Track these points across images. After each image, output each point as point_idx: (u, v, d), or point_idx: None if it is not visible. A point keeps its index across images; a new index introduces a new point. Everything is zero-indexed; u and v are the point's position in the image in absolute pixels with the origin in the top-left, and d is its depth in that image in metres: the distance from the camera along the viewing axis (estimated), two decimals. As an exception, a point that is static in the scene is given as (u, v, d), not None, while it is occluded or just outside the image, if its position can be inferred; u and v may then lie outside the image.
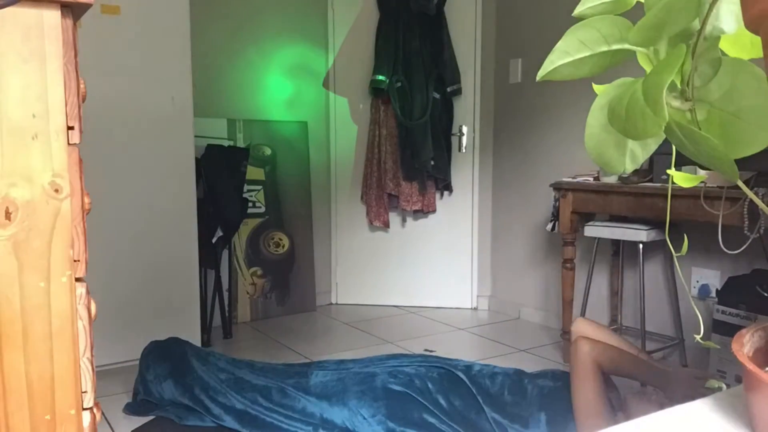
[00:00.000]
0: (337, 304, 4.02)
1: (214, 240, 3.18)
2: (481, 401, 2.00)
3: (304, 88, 3.82)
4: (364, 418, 2.01)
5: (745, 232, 2.03)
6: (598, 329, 1.98)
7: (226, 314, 3.31)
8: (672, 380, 1.81)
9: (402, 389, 2.05)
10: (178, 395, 2.25)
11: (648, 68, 0.44)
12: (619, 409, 1.92)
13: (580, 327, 1.98)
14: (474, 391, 2.02)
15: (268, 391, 2.15)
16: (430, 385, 2.05)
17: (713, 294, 2.60)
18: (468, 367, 2.12)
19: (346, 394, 2.08)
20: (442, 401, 2.01)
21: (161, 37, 2.84)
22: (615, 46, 0.44)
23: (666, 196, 2.36)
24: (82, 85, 0.79)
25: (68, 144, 0.76)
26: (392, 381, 2.08)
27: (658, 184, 2.41)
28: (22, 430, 0.74)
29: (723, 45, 0.44)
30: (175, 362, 2.32)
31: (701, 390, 1.76)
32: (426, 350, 3.02)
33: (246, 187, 3.45)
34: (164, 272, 2.91)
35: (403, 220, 3.93)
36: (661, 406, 1.73)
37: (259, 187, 3.63)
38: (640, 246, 2.60)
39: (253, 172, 3.57)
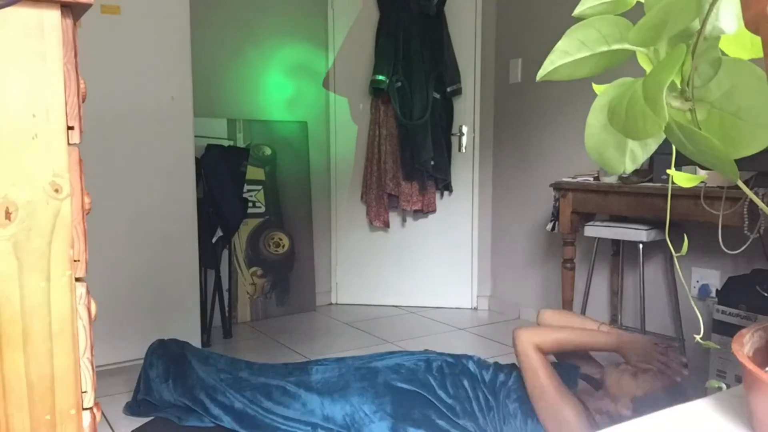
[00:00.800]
0: (337, 304, 4.02)
1: (214, 240, 3.18)
2: (480, 396, 2.01)
3: (304, 88, 3.82)
4: (366, 414, 2.01)
5: (745, 232, 2.03)
6: (560, 313, 2.09)
7: (226, 314, 3.31)
8: (625, 344, 1.86)
9: (404, 385, 2.05)
10: (177, 396, 2.25)
11: (648, 68, 0.44)
12: (600, 386, 1.92)
13: (542, 316, 2.10)
14: (474, 385, 2.03)
15: (268, 389, 2.15)
16: (431, 381, 2.06)
17: (713, 294, 2.60)
18: (467, 361, 2.13)
19: (348, 391, 2.07)
20: (444, 396, 2.02)
21: (161, 37, 2.84)
22: (615, 46, 0.44)
23: (666, 196, 2.36)
24: (82, 85, 0.79)
25: (68, 144, 0.76)
26: (394, 377, 2.08)
27: (658, 184, 2.41)
28: (22, 430, 0.74)
29: (723, 45, 0.44)
30: (175, 363, 2.32)
31: (657, 356, 1.79)
32: (426, 350, 3.02)
33: (246, 187, 3.45)
34: (164, 272, 2.91)
35: (403, 220, 3.93)
36: (634, 375, 1.76)
37: (259, 187, 3.63)
38: (640, 246, 2.60)
39: (253, 172, 3.57)
